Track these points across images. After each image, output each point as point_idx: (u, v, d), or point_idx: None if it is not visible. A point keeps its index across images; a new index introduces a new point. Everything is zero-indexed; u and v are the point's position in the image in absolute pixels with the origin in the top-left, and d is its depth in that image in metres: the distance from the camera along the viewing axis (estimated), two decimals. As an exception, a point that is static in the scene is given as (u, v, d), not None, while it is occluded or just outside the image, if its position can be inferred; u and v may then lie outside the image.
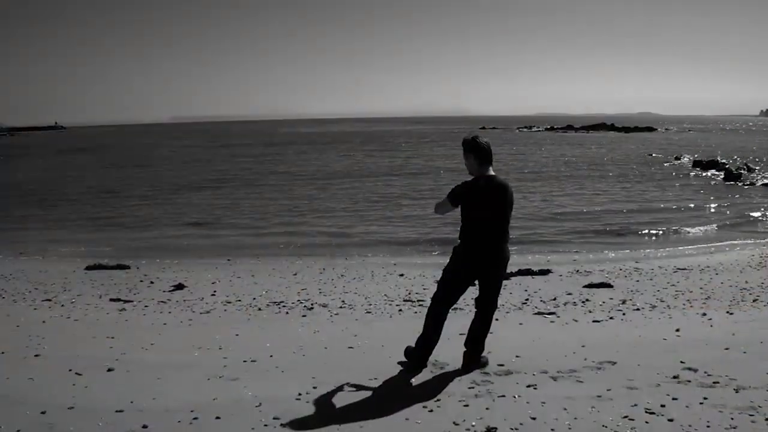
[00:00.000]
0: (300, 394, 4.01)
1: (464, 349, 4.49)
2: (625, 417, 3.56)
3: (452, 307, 6.95)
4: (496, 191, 4.28)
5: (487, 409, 3.73)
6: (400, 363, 4.58)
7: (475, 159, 4.31)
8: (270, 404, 3.85)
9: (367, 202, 20.31)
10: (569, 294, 7.83)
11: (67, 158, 47.95)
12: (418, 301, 7.46)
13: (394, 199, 20.81)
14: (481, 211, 4.27)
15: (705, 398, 3.79)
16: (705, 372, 4.27)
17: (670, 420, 3.51)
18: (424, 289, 8.27)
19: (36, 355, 5.01)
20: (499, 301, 7.22)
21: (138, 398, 3.96)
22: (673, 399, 3.79)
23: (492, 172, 4.34)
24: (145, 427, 3.54)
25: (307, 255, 12.17)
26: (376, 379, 4.30)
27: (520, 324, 6.07)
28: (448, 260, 4.48)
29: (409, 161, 37.83)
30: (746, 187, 23.13)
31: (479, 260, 4.32)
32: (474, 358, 4.45)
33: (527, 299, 7.54)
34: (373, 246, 13.31)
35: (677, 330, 5.58)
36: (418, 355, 4.49)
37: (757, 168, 28.99)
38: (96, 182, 28.18)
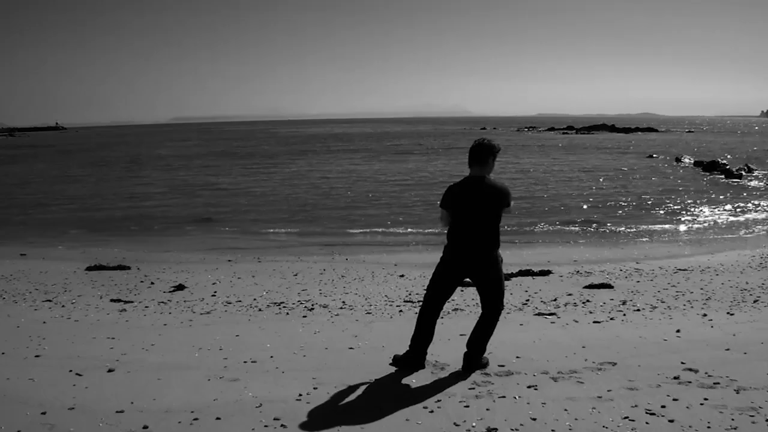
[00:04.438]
0: (300, 395, 4.01)
1: (465, 350, 4.49)
2: (626, 418, 3.55)
3: (454, 308, 6.97)
4: (471, 192, 4.28)
5: (487, 409, 3.73)
6: (391, 364, 4.58)
7: (468, 161, 4.38)
8: (270, 405, 3.85)
9: (367, 203, 20.32)
10: (570, 295, 7.82)
11: (67, 158, 47.99)
12: (419, 302, 7.45)
13: (396, 200, 20.82)
14: (458, 213, 4.30)
15: (705, 399, 3.79)
16: (705, 373, 4.27)
17: (671, 421, 3.51)
18: (425, 290, 8.26)
19: (36, 356, 5.01)
20: (500, 302, 7.29)
21: (138, 399, 3.96)
22: (674, 400, 3.79)
23: (478, 173, 4.32)
24: (145, 427, 3.54)
25: (307, 256, 12.18)
26: (376, 379, 4.30)
27: (521, 325, 6.06)
28: None
29: (414, 163, 37.83)
30: (747, 187, 23.13)
31: (458, 261, 4.34)
32: (474, 359, 4.44)
33: (528, 300, 7.53)
34: (374, 247, 13.31)
35: (678, 331, 5.58)
36: (413, 354, 4.51)
37: (757, 168, 28.99)
38: (96, 183, 28.21)
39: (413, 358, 4.50)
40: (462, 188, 4.31)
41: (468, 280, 4.51)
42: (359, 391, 4.09)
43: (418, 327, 4.50)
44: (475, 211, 4.27)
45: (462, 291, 7.84)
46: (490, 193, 4.27)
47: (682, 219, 16.49)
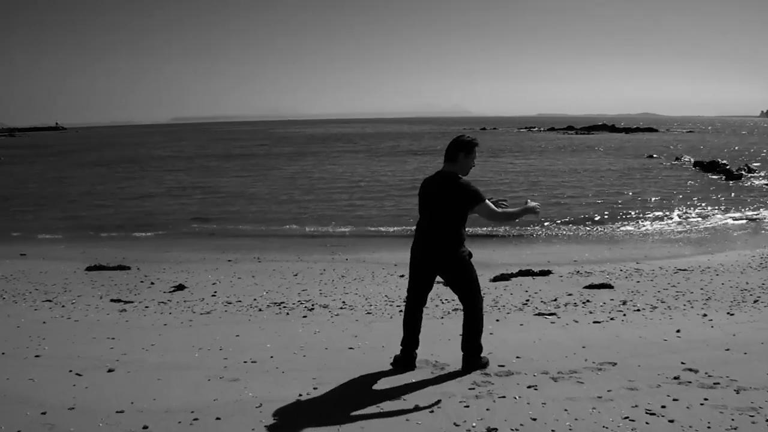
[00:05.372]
0: (300, 395, 4.02)
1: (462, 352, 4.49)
2: (626, 418, 3.56)
3: (454, 308, 6.97)
4: (432, 187, 4.27)
5: (487, 410, 3.73)
6: (392, 364, 4.59)
7: None
8: (270, 405, 3.86)
9: (367, 203, 20.32)
10: (570, 295, 7.82)
11: (68, 158, 48.00)
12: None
13: (396, 200, 20.83)
14: (420, 207, 4.38)
15: (706, 399, 3.79)
16: (706, 373, 4.27)
17: (671, 421, 3.51)
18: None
19: (36, 356, 5.01)
20: (500, 303, 7.30)
21: (138, 399, 3.96)
22: (674, 400, 3.79)
23: (447, 169, 4.26)
24: (145, 427, 3.54)
25: (307, 256, 12.18)
26: (376, 379, 4.30)
27: (521, 325, 6.07)
28: None
29: (414, 164, 37.83)
30: (747, 187, 23.14)
31: (424, 259, 4.32)
32: (472, 358, 4.43)
33: (528, 300, 7.53)
34: (374, 246, 13.30)
35: (678, 331, 5.59)
36: (401, 355, 4.53)
37: (758, 169, 29.00)
38: (95, 183, 28.21)
39: (402, 359, 4.52)
40: (428, 182, 4.33)
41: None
42: (359, 391, 4.09)
43: (404, 326, 4.52)
44: (433, 207, 4.22)
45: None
46: (451, 191, 4.15)
47: (682, 219, 16.49)
